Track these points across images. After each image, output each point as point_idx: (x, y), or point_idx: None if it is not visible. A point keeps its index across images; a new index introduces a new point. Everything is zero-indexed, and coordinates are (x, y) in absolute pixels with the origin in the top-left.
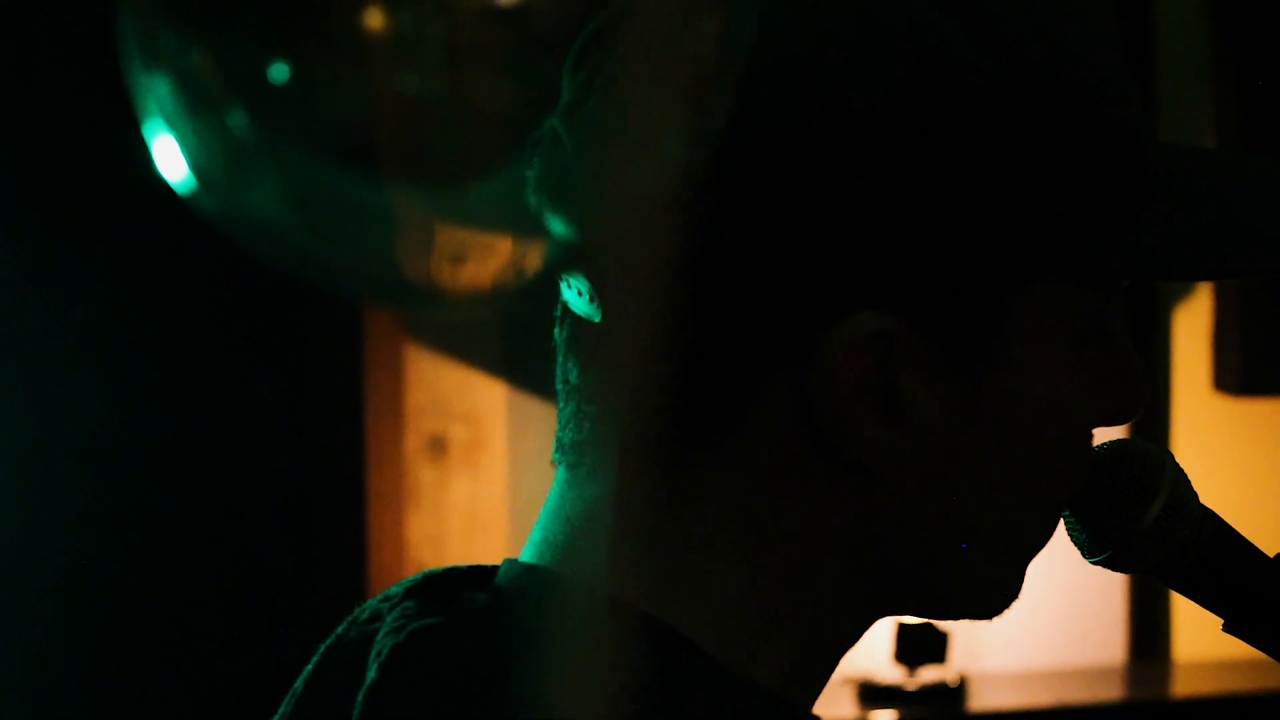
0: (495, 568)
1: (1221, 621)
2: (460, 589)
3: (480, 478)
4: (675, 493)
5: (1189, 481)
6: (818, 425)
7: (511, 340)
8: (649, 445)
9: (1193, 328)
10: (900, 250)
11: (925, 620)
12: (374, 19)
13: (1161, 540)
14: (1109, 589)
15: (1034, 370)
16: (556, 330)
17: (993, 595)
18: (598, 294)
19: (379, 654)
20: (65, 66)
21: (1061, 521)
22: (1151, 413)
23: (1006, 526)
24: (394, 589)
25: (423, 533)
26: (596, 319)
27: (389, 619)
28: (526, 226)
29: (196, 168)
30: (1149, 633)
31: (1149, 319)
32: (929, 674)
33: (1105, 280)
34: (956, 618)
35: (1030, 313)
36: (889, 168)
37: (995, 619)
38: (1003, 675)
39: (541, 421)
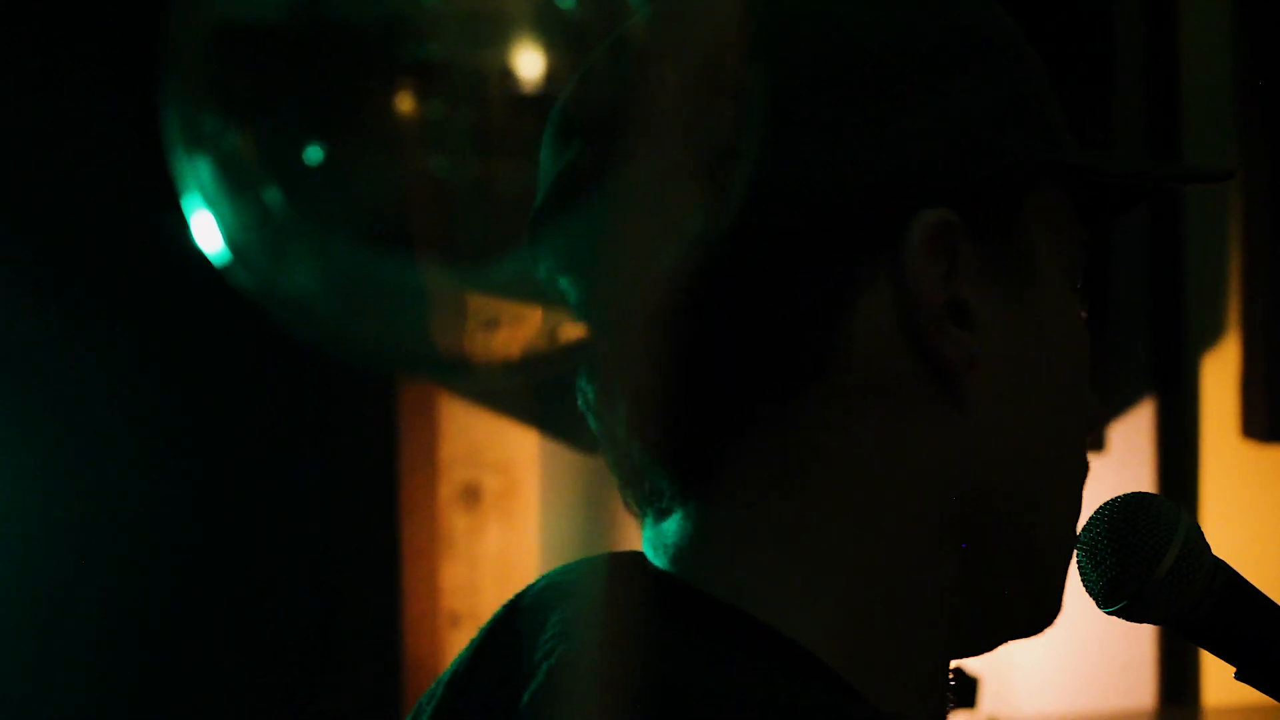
0: (640, 559)
1: (1234, 670)
2: (617, 590)
3: (513, 526)
4: (771, 477)
5: (1202, 533)
6: (914, 329)
7: (543, 390)
8: (727, 439)
9: (1221, 374)
10: (940, 142)
11: (954, 666)
12: (405, 104)
13: (1175, 591)
14: (1139, 633)
15: (1056, 301)
16: (584, 394)
17: (1047, 585)
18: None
19: (548, 654)
20: (111, 136)
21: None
22: (1180, 460)
23: (1058, 470)
24: (557, 578)
25: (456, 581)
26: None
27: (554, 618)
28: (552, 298)
29: (234, 244)
30: (1179, 677)
31: (1176, 366)
32: (960, 719)
33: (1085, 184)
34: (1018, 625)
35: (1038, 228)
36: (918, 72)
37: (1042, 631)
38: None
39: (574, 469)
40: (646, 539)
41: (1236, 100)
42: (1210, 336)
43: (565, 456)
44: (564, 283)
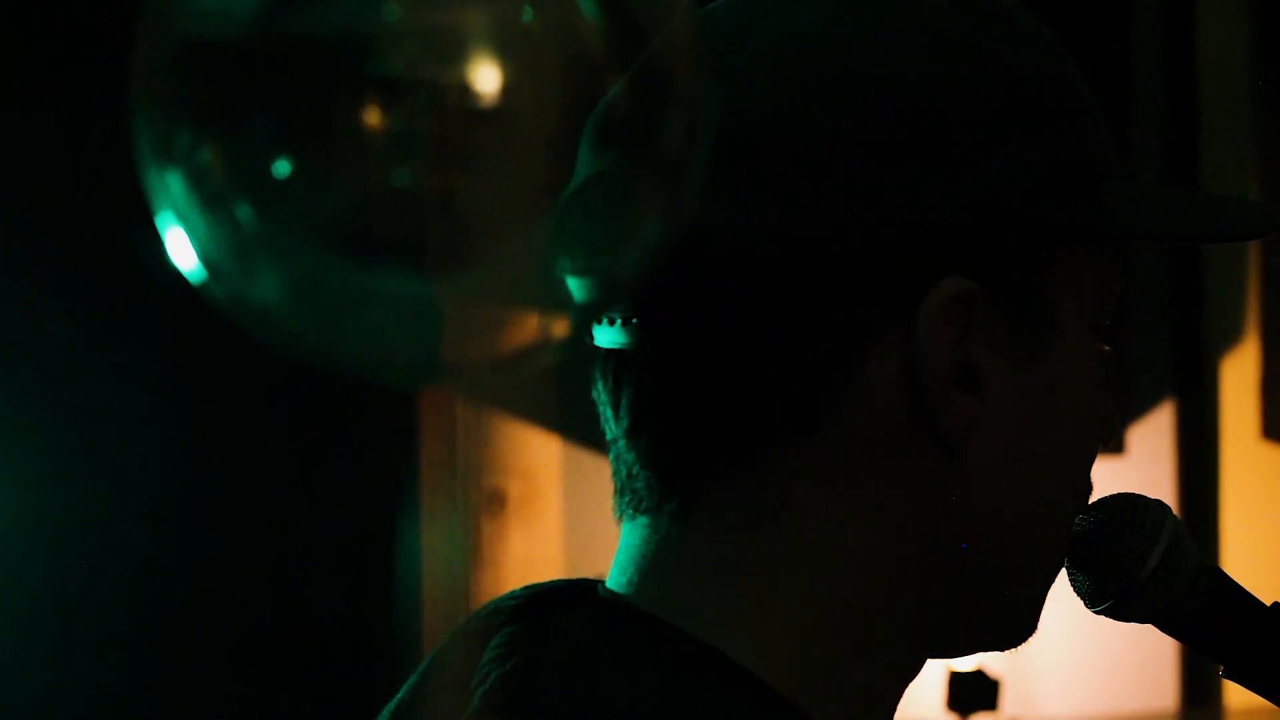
0: (593, 587)
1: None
2: (559, 614)
3: (536, 532)
4: (749, 510)
5: (1187, 533)
6: (919, 393)
7: (566, 395)
8: (716, 466)
9: (1241, 376)
10: (972, 209)
11: (975, 668)
12: (371, 118)
13: (1160, 591)
14: (1160, 634)
15: (1074, 359)
16: (597, 389)
17: (1025, 613)
18: (638, 320)
19: (483, 680)
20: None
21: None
22: (1200, 462)
23: (1047, 524)
24: (503, 603)
25: (480, 587)
26: (628, 343)
27: (494, 642)
28: (532, 300)
29: (206, 259)
30: (1200, 678)
31: (1196, 368)
32: None
33: (1119, 245)
34: (987, 645)
35: (1066, 285)
36: (955, 134)
37: (1015, 649)
38: None
39: (597, 475)
40: (620, 546)
41: (1254, 102)
42: (1229, 339)
43: (588, 462)
44: (574, 281)
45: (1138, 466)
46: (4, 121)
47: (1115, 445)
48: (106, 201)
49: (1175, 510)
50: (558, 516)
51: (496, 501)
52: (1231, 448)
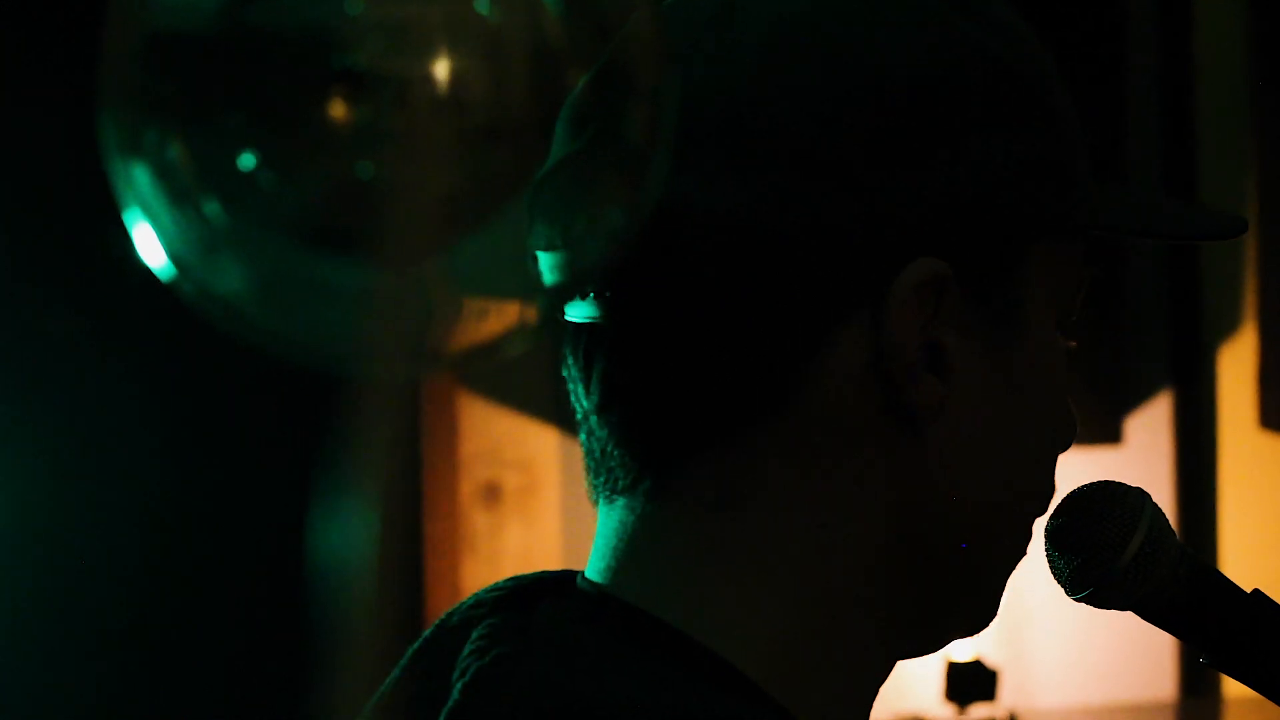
0: (574, 579)
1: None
2: (542, 605)
3: (534, 523)
4: (724, 492)
5: (1167, 521)
6: (887, 374)
7: (563, 386)
8: (688, 446)
9: (1238, 365)
10: (947, 197)
11: (973, 658)
12: (335, 111)
13: (1140, 578)
14: None
15: (1039, 351)
16: (568, 364)
17: (988, 598)
18: (611, 294)
19: (463, 672)
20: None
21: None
22: (1198, 451)
23: (1008, 514)
24: (485, 595)
25: (478, 578)
26: (601, 317)
27: (475, 634)
28: (500, 289)
29: (173, 254)
30: (1199, 669)
31: (1193, 358)
32: (979, 712)
33: (1089, 236)
34: (956, 633)
35: (1035, 277)
36: (936, 122)
37: (976, 635)
38: (1053, 712)
39: None
40: (598, 531)
41: (1251, 100)
42: (1226, 328)
43: None
44: (548, 260)
45: (1135, 456)
46: (4, 121)
47: (1113, 435)
48: (107, 201)
49: (1173, 499)
50: (555, 509)
51: (493, 493)
52: (1229, 437)
